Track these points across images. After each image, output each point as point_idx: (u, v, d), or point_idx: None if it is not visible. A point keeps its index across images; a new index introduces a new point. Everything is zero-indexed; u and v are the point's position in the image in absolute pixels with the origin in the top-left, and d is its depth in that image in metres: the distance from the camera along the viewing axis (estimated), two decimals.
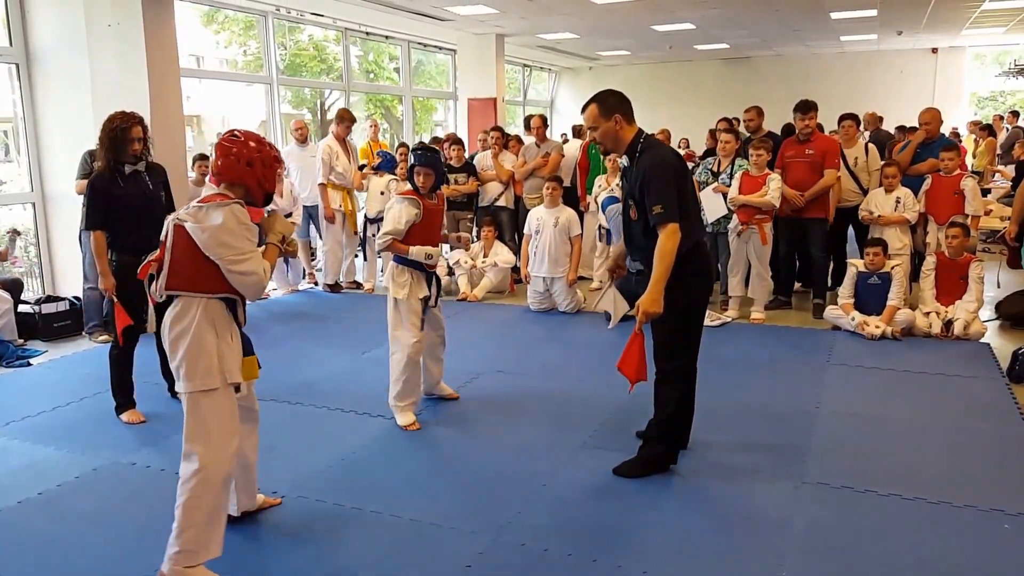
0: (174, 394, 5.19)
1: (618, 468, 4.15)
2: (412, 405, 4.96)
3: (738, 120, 9.65)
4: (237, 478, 3.52)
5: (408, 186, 5.09)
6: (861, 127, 9.56)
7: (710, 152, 9.32)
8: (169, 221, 3.24)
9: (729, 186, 7.32)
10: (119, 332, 4.88)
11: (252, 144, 3.32)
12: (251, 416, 3.58)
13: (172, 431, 4.84)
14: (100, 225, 4.93)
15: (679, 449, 4.24)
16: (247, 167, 3.28)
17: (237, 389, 3.30)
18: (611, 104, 3.94)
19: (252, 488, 3.72)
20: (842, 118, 8.05)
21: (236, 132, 3.35)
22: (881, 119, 12.48)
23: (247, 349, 3.39)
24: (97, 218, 4.93)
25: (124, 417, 5.05)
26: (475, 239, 9.05)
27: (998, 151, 14.23)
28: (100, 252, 4.94)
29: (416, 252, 4.83)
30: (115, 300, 4.87)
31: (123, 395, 5.10)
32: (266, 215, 3.45)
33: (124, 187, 4.92)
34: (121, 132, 4.87)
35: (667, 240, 3.76)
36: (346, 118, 8.83)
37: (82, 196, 5.97)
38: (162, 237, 3.25)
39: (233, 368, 3.23)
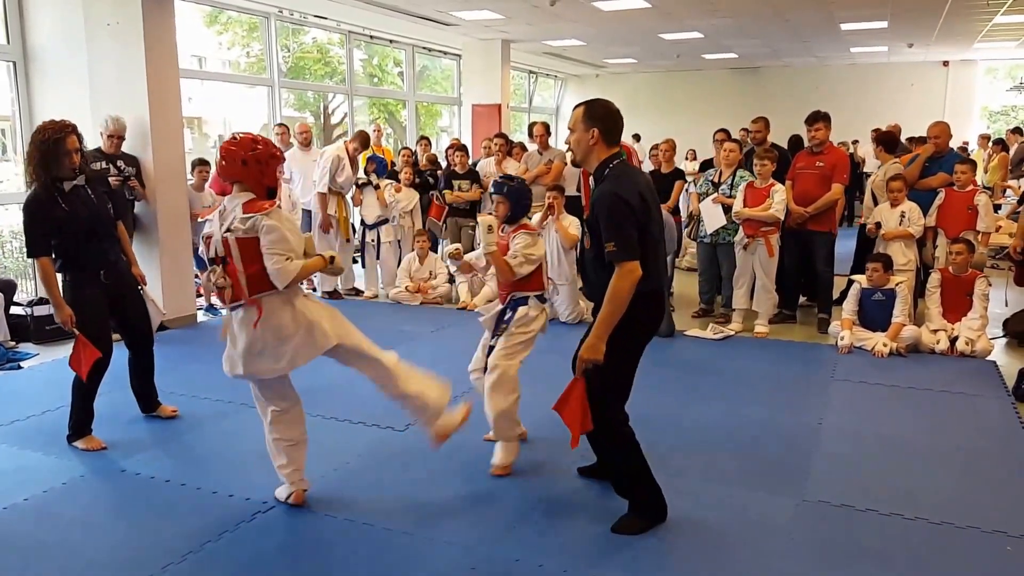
0: (148, 412, 5.15)
1: (616, 526, 3.75)
2: None
3: (746, 131, 9.57)
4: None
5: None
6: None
7: (709, 163, 9.23)
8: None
9: (730, 196, 7.26)
10: (86, 369, 4.41)
11: (248, 144, 3.65)
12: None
13: (162, 439, 4.82)
14: (44, 251, 4.40)
15: (658, 501, 3.80)
16: (242, 165, 3.61)
17: None
18: (595, 115, 3.60)
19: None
20: (876, 142, 8.15)
21: (236, 135, 3.68)
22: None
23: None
24: (40, 244, 4.39)
25: (81, 444, 4.62)
26: (476, 246, 8.99)
27: (1008, 166, 14.10)
28: (50, 282, 4.40)
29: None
30: (77, 332, 4.42)
31: (83, 422, 4.68)
32: None
33: (66, 207, 4.39)
34: (54, 144, 4.31)
35: (621, 280, 3.37)
36: (363, 139, 8.76)
37: None
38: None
39: None
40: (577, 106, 3.68)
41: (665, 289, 3.79)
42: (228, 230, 3.56)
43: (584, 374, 3.50)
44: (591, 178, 3.77)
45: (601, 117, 3.60)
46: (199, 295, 8.09)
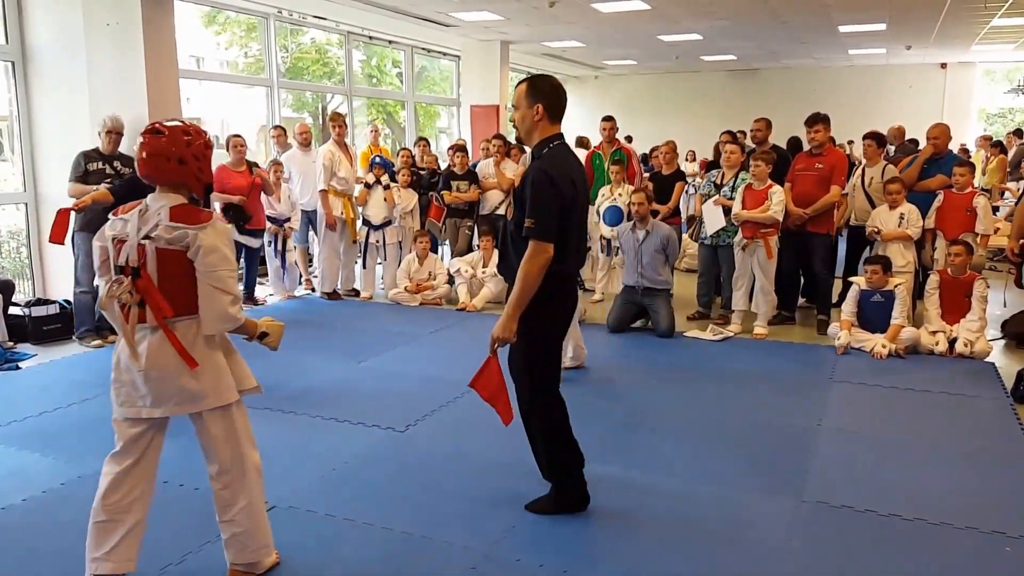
0: None
1: (531, 504, 3.90)
2: None
3: (744, 133, 9.55)
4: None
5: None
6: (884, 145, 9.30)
7: (714, 164, 9.23)
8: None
9: (731, 199, 7.25)
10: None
11: (179, 136, 2.94)
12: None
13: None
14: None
15: (579, 492, 3.88)
16: (179, 165, 2.94)
17: None
18: (540, 90, 3.55)
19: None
20: (865, 136, 7.97)
21: (157, 125, 2.97)
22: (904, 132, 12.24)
23: None
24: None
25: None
26: (475, 247, 8.99)
27: (1007, 168, 14.11)
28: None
29: None
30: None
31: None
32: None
33: None
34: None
35: (532, 260, 3.40)
36: (337, 119, 8.75)
37: (73, 199, 5.95)
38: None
39: None
40: (520, 82, 3.65)
41: (576, 273, 3.83)
42: (148, 236, 2.89)
43: (496, 352, 3.62)
44: (531, 154, 3.75)
45: (546, 93, 3.56)
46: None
